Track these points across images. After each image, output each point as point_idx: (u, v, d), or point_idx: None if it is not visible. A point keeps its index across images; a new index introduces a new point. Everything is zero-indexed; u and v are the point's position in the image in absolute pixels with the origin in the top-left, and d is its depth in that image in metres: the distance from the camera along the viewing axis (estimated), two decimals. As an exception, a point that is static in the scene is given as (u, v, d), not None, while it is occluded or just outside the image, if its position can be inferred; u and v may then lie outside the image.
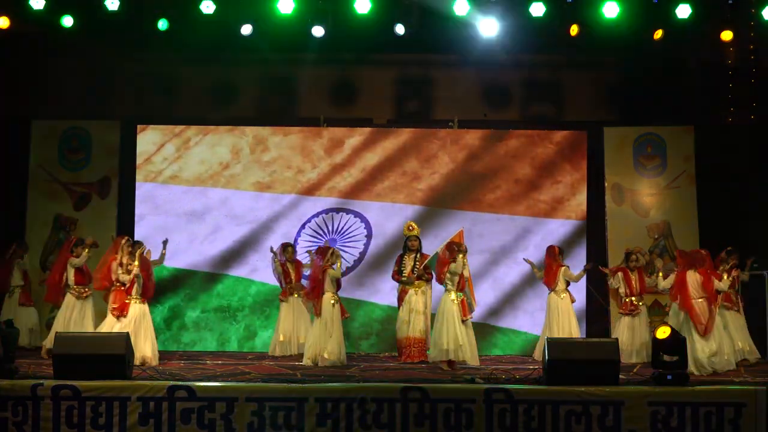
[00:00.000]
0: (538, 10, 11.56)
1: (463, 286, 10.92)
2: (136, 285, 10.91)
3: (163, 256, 11.65)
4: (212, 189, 13.40)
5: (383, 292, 13.08)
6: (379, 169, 13.42)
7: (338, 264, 11.17)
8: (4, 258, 12.50)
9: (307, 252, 12.11)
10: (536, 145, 13.42)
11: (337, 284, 11.23)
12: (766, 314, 12.00)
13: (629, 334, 11.78)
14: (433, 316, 11.41)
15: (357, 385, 8.91)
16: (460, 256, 10.89)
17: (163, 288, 12.80)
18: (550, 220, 13.27)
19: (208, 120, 13.53)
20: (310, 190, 13.39)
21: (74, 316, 11.34)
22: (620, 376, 9.14)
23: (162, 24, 11.95)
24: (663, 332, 9.29)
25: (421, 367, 11.05)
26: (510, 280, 13.23)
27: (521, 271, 13.15)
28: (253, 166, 13.42)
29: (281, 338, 12.05)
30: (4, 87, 13.38)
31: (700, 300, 10.45)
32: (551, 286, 11.99)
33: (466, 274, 11.15)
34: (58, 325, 11.24)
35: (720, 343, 10.46)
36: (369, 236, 13.31)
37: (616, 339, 10.50)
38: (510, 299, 13.21)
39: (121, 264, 10.99)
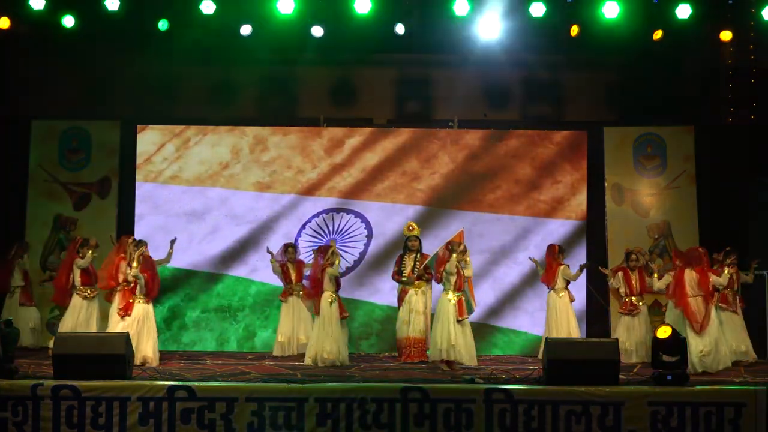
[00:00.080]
0: (538, 10, 11.57)
1: (460, 285, 10.90)
2: (138, 285, 10.92)
3: (170, 255, 11.71)
4: (212, 189, 13.39)
5: (383, 292, 13.08)
6: (379, 169, 13.41)
7: (337, 262, 11.16)
8: (6, 258, 12.50)
9: (312, 251, 12.12)
10: (536, 145, 13.41)
11: (337, 283, 11.23)
12: (766, 314, 11.99)
13: (629, 334, 11.79)
14: (433, 316, 11.41)
15: (357, 385, 8.91)
16: (454, 256, 10.88)
17: (163, 288, 12.70)
18: (550, 220, 13.26)
19: (208, 120, 13.52)
20: (310, 190, 13.39)
21: (81, 317, 11.39)
22: (620, 376, 9.14)
23: (162, 24, 11.96)
24: (664, 332, 9.30)
25: (421, 367, 11.05)
26: (510, 280, 13.22)
27: (521, 271, 13.15)
28: (253, 166, 13.41)
29: (281, 339, 12.06)
30: (4, 87, 13.39)
31: (695, 298, 10.47)
32: (550, 284, 12.00)
33: (468, 273, 11.15)
34: (66, 326, 11.27)
35: (715, 342, 10.46)
36: (369, 236, 13.31)
37: (616, 339, 10.50)
38: (510, 299, 13.20)
39: (129, 264, 11.04)
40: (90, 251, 11.53)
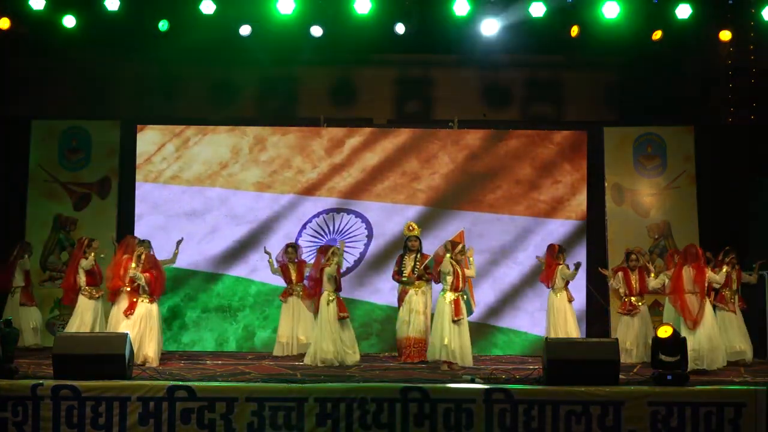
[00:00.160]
0: (538, 10, 11.57)
1: (457, 285, 10.86)
2: (140, 285, 10.93)
3: (175, 255, 11.78)
4: (212, 189, 13.40)
5: (383, 292, 13.08)
6: (379, 169, 13.41)
7: (334, 262, 11.14)
8: (7, 259, 12.50)
9: (316, 250, 12.14)
10: (536, 145, 13.41)
11: (336, 283, 11.21)
12: (766, 314, 11.99)
13: (629, 334, 11.79)
14: (432, 316, 11.41)
15: (357, 385, 8.90)
16: (447, 255, 10.87)
17: (163, 288, 12.81)
18: (550, 220, 13.26)
19: (208, 120, 13.53)
20: (310, 190, 13.39)
21: (87, 318, 11.45)
22: (620, 376, 9.14)
23: (162, 24, 11.96)
24: (664, 332, 9.30)
25: (421, 367, 11.05)
26: (510, 280, 13.22)
27: (521, 271, 13.16)
28: (252, 166, 13.42)
29: (281, 339, 12.06)
30: (4, 87, 13.39)
31: (690, 295, 10.49)
32: (549, 284, 12.00)
33: (470, 274, 11.16)
34: (73, 327, 11.32)
35: (709, 339, 10.47)
36: (369, 236, 13.31)
37: (616, 339, 10.49)
38: (510, 299, 13.20)
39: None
40: (92, 253, 11.59)
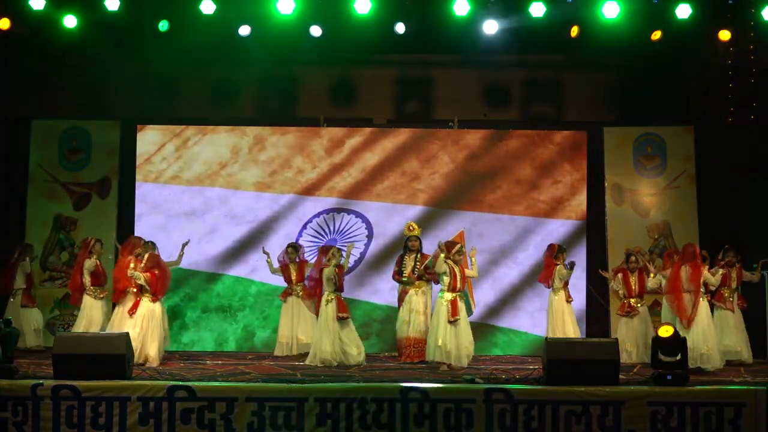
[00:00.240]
0: (538, 10, 11.57)
1: (455, 286, 10.83)
2: (141, 285, 10.94)
3: (180, 257, 11.82)
4: (212, 189, 13.40)
5: (383, 292, 13.08)
6: (379, 169, 13.41)
7: (332, 264, 11.13)
8: (9, 260, 12.48)
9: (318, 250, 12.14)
10: (536, 145, 13.41)
11: (336, 283, 11.19)
12: (766, 314, 11.99)
13: (629, 334, 11.79)
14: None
15: (357, 385, 8.90)
16: (441, 255, 10.86)
17: (163, 288, 12.81)
18: (550, 220, 13.26)
19: (208, 120, 13.53)
20: (310, 190, 13.39)
21: (93, 318, 11.48)
22: (620, 376, 9.14)
23: (162, 24, 11.96)
24: (665, 331, 9.31)
25: (421, 367, 11.05)
26: (510, 280, 13.23)
27: (521, 271, 13.16)
28: (252, 166, 13.42)
29: (281, 339, 12.06)
30: (4, 87, 13.39)
31: (686, 294, 10.52)
32: (547, 284, 12.00)
33: (471, 274, 11.16)
34: (79, 328, 11.35)
35: (703, 338, 10.47)
36: (369, 236, 13.31)
37: (616, 339, 10.48)
38: (510, 299, 13.21)
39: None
40: (95, 254, 11.63)
